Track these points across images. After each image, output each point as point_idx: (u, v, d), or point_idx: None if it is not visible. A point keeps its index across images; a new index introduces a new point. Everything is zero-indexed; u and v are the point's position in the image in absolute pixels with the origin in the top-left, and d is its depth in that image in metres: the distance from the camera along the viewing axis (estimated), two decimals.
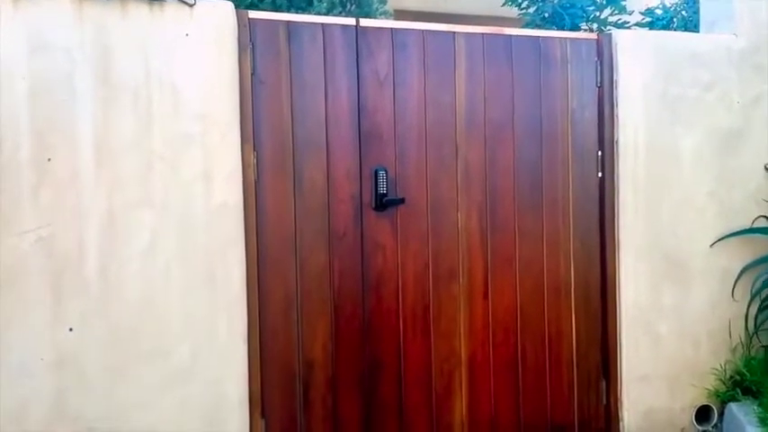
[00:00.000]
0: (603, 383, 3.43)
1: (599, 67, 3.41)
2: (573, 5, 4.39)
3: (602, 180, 3.43)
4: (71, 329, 2.62)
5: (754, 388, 3.49)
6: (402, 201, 3.11)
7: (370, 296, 3.09)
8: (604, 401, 3.44)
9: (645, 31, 4.44)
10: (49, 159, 2.59)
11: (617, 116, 3.41)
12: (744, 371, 3.52)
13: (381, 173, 3.07)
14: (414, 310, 3.16)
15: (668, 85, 3.46)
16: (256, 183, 2.89)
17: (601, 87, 3.42)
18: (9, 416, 2.57)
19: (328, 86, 3.01)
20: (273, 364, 2.94)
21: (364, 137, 3.07)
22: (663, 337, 3.48)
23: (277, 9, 3.77)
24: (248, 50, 2.89)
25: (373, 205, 3.08)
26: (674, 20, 4.80)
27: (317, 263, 3.01)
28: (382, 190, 3.07)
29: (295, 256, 2.97)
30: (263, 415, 2.90)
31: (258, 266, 2.91)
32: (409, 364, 3.14)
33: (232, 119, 2.83)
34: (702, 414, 3.55)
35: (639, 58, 3.43)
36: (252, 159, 2.88)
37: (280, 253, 2.95)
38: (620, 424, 3.42)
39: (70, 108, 2.63)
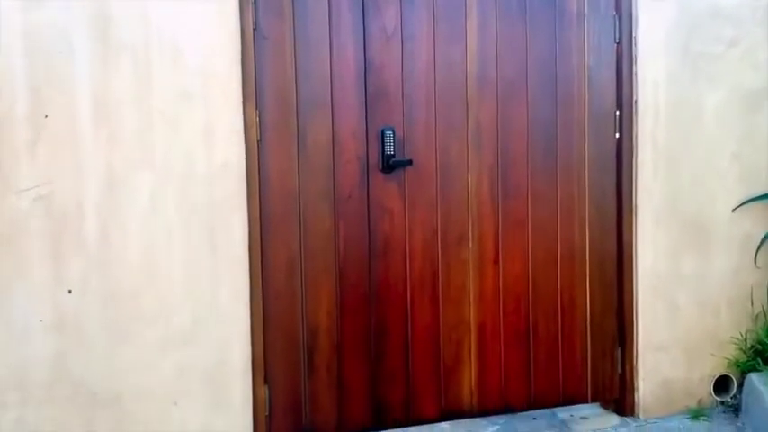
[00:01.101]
0: (619, 352, 3.48)
1: (617, 23, 3.40)
2: None
3: (619, 141, 3.45)
4: (70, 291, 2.69)
5: None
6: (410, 162, 3.14)
7: (376, 261, 3.14)
8: (619, 370, 3.49)
9: None
10: (46, 116, 2.65)
11: (636, 74, 3.41)
12: (765, 340, 3.56)
13: (388, 133, 3.11)
14: (422, 277, 3.21)
15: (690, 42, 3.46)
16: (259, 142, 2.93)
17: (619, 44, 3.41)
18: (8, 379, 2.66)
19: (333, 43, 3.04)
20: (277, 329, 3.00)
21: (370, 95, 3.10)
22: (681, 305, 3.51)
23: None
24: (250, 4, 2.91)
25: (380, 167, 3.12)
26: None
27: (322, 226, 3.06)
28: (389, 151, 3.11)
29: (299, 219, 3.02)
30: (265, 381, 2.97)
31: (261, 229, 2.96)
32: (417, 332, 3.20)
33: (234, 76, 2.86)
34: (721, 385, 3.59)
35: (660, 12, 3.42)
36: (254, 118, 2.92)
37: (283, 215, 3.00)
38: (636, 394, 3.47)
39: (67, 63, 2.66)
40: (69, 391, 2.71)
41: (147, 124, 2.75)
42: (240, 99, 2.88)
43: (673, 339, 3.51)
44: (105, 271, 2.73)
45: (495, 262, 3.31)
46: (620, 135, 3.45)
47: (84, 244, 2.71)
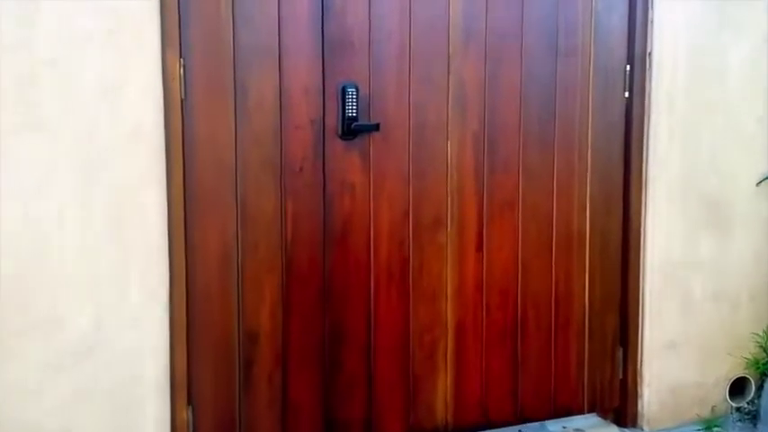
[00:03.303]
0: (620, 353, 2.92)
1: None
2: None
3: (629, 102, 2.85)
4: None
5: None
6: (376, 127, 2.50)
7: (333, 248, 2.52)
8: (620, 375, 2.93)
9: None
10: None
11: (651, 21, 2.80)
12: None
13: (350, 90, 2.46)
14: (389, 266, 2.59)
15: None
16: (183, 101, 2.27)
17: None
18: None
19: None
20: (204, 335, 2.37)
21: (329, 43, 2.44)
22: (695, 297, 2.96)
23: None
24: None
25: (339, 132, 2.47)
26: None
27: (265, 206, 2.42)
28: (351, 112, 2.46)
29: (236, 198, 2.38)
30: (189, 401, 2.34)
31: (185, 210, 2.31)
32: (381, 335, 2.59)
33: (149, 13, 2.18)
34: (736, 387, 3.06)
35: None
36: (177, 69, 2.25)
37: (215, 193, 2.36)
38: (639, 402, 2.92)
39: None
40: None
41: (31, 76, 2.06)
42: (158, 44, 2.21)
43: (684, 337, 2.95)
44: None
45: (479, 248, 2.70)
46: (631, 95, 2.86)
47: None
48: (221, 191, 2.36)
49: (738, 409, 3.05)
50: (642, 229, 2.89)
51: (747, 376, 3.04)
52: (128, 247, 2.21)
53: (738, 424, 3.01)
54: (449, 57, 2.59)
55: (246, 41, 2.35)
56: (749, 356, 3.03)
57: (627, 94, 2.84)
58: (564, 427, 2.91)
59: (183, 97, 2.27)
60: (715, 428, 2.94)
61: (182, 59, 2.26)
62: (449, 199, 2.64)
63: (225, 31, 2.31)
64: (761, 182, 2.98)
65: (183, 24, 2.26)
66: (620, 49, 2.82)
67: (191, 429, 2.35)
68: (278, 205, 2.43)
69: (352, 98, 2.46)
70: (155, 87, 2.21)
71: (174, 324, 2.30)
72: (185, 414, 2.33)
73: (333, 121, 2.47)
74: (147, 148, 2.21)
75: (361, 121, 2.48)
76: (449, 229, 2.65)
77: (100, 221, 2.17)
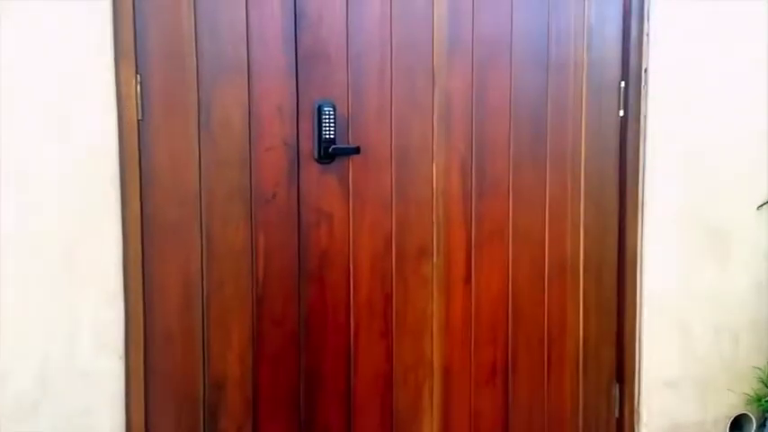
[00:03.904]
0: (617, 390, 2.69)
1: None
2: None
3: (624, 121, 2.62)
4: None
5: None
6: (356, 150, 2.25)
7: (309, 284, 2.26)
8: (617, 414, 2.70)
9: None
10: None
11: (648, 34, 2.58)
12: None
13: (327, 110, 2.21)
14: (370, 302, 2.34)
15: None
16: (140, 122, 2.01)
17: None
18: None
19: None
20: (165, 384, 2.09)
21: (304, 57, 2.19)
22: (694, 330, 2.73)
23: None
24: None
25: (315, 156, 2.22)
26: None
27: (234, 238, 2.16)
28: (328, 134, 2.22)
29: (200, 229, 2.11)
30: None
31: (143, 244, 2.05)
32: (362, 377, 2.34)
33: (100, 23, 1.92)
34: (736, 425, 2.85)
35: None
36: (133, 87, 1.99)
37: (176, 224, 2.09)
38: None
39: None
40: None
41: None
42: (110, 57, 1.95)
43: (684, 372, 2.73)
44: None
45: (467, 280, 2.46)
46: (626, 113, 2.63)
47: None
48: (184, 222, 2.09)
49: None
50: (638, 257, 2.67)
51: (748, 413, 2.82)
52: (77, 288, 1.93)
53: None
54: (433, 71, 2.36)
55: (211, 55, 2.09)
56: (750, 392, 2.81)
57: (622, 113, 2.62)
58: None
59: (139, 118, 2.01)
60: None
61: (138, 75, 2.00)
62: (434, 227, 2.40)
63: (187, 44, 2.05)
64: (762, 205, 2.78)
65: (139, 36, 2.00)
66: (615, 65, 2.60)
67: None
68: (248, 237, 2.17)
69: (330, 118, 2.22)
70: (107, 106, 1.94)
71: (131, 374, 2.02)
72: None
73: (308, 143, 2.22)
74: (99, 174, 1.94)
75: (340, 144, 2.24)
76: (435, 259, 2.42)
77: (43, 260, 1.89)
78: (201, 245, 2.12)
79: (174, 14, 2.03)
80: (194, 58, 2.06)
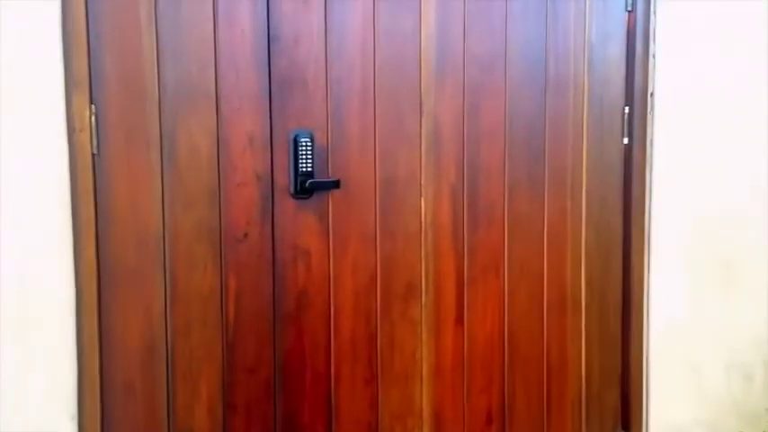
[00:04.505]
0: None
1: None
2: None
3: (628, 148, 2.44)
4: None
5: None
6: (336, 184, 2.07)
7: (285, 327, 2.07)
8: None
9: None
10: None
11: (654, 55, 2.40)
12: None
13: (304, 140, 2.02)
14: (353, 346, 2.15)
15: (731, 6, 2.45)
16: (95, 156, 1.83)
17: (632, 12, 2.39)
18: None
19: (219, 1, 1.93)
20: None
21: (278, 83, 2.01)
22: (704, 368, 2.54)
23: None
24: None
25: (291, 190, 2.04)
26: None
27: (201, 280, 1.96)
28: (305, 167, 2.03)
29: (164, 272, 1.92)
30: None
31: (99, 289, 1.86)
32: (344, 428, 2.14)
33: (47, 46, 1.74)
34: None
35: None
36: (87, 118, 1.80)
37: (137, 267, 1.90)
38: None
39: None
40: None
41: None
42: (61, 85, 1.76)
43: (693, 415, 2.53)
44: None
45: (458, 320, 2.27)
46: (630, 140, 2.44)
47: None
48: (145, 264, 1.90)
49: None
50: (645, 290, 2.48)
51: None
52: (24, 340, 1.74)
53: None
54: (421, 95, 2.17)
55: (175, 81, 1.90)
56: None
57: (626, 140, 2.43)
58: None
59: (94, 152, 1.82)
60: None
61: (93, 105, 1.81)
62: (423, 263, 2.21)
63: (148, 69, 1.87)
64: None
65: (94, 62, 1.82)
66: (618, 88, 2.41)
67: None
68: (217, 279, 1.98)
69: (307, 149, 2.03)
70: (57, 141, 1.76)
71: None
72: None
73: (283, 177, 2.03)
74: (48, 216, 1.75)
75: (318, 177, 2.05)
76: (423, 298, 2.22)
77: None
78: (165, 288, 1.92)
79: (134, 37, 1.85)
80: (156, 85, 1.88)
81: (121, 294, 1.89)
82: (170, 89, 1.89)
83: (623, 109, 2.43)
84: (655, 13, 2.39)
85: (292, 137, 2.03)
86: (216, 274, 1.98)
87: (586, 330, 2.45)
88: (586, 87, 2.38)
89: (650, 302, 2.49)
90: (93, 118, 1.81)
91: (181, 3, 1.89)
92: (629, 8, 2.40)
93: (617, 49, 2.41)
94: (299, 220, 2.06)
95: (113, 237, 1.87)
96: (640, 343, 2.50)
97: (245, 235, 2.01)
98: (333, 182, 2.07)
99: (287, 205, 2.05)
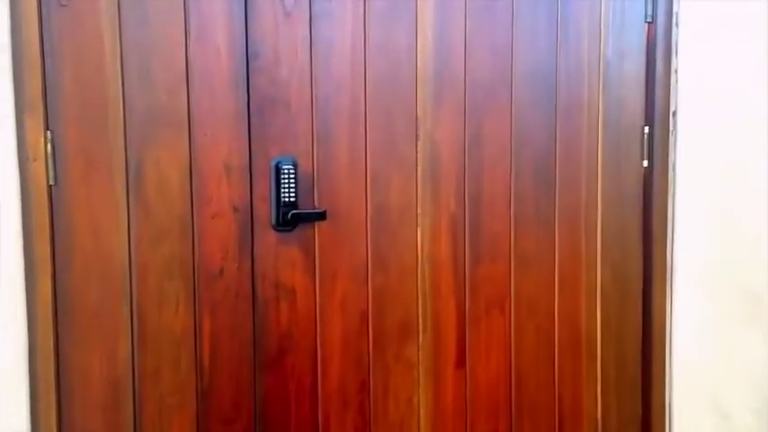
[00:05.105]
0: None
1: None
2: None
3: (648, 172, 2.25)
4: None
5: None
6: (322, 215, 1.90)
7: (266, 372, 1.90)
8: None
9: None
10: None
11: (676, 71, 2.21)
12: None
13: (287, 167, 1.86)
14: (342, 392, 1.98)
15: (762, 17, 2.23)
16: (53, 188, 1.68)
17: (652, 23, 2.20)
18: None
19: (191, 15, 1.78)
20: None
21: (257, 104, 1.85)
22: (732, 413, 2.31)
23: None
24: None
25: (273, 222, 1.88)
26: None
27: (172, 321, 1.80)
28: (288, 196, 1.87)
29: (130, 311, 1.77)
30: None
31: (56, 330, 1.71)
32: None
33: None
34: None
35: None
36: (42, 146, 1.65)
37: (100, 307, 1.75)
38: None
39: None
40: None
41: None
42: (11, 110, 1.61)
43: None
44: None
45: (460, 363, 2.09)
46: (650, 164, 2.25)
47: None
48: (109, 303, 1.75)
49: None
50: (667, 329, 2.28)
51: None
52: None
53: None
54: (417, 116, 2.00)
55: (143, 104, 1.75)
56: None
57: (646, 164, 2.24)
58: None
59: (51, 183, 1.68)
60: None
61: (48, 132, 1.67)
62: (420, 300, 2.04)
63: (112, 92, 1.72)
64: None
65: (50, 84, 1.68)
66: (637, 107, 2.22)
67: None
68: (190, 319, 1.82)
69: (290, 177, 1.87)
70: (6, 172, 1.61)
71: None
72: None
73: (264, 207, 1.87)
74: None
75: (303, 208, 1.89)
76: (421, 338, 2.05)
77: None
78: (132, 330, 1.77)
79: (96, 57, 1.70)
80: (121, 109, 1.72)
81: (82, 336, 1.73)
82: (137, 113, 1.74)
83: (643, 129, 2.24)
84: (677, 24, 2.20)
85: (274, 164, 1.87)
86: (189, 314, 1.82)
87: (602, 375, 2.25)
88: (601, 107, 2.19)
89: (672, 343, 2.28)
90: (49, 146, 1.66)
91: (148, 19, 1.74)
92: (650, 18, 2.21)
93: (635, 66, 2.22)
94: (281, 255, 1.90)
95: (73, 274, 1.71)
96: (662, 388, 2.29)
97: (222, 271, 1.84)
98: (319, 213, 1.90)
99: (268, 238, 1.88)
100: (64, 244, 1.70)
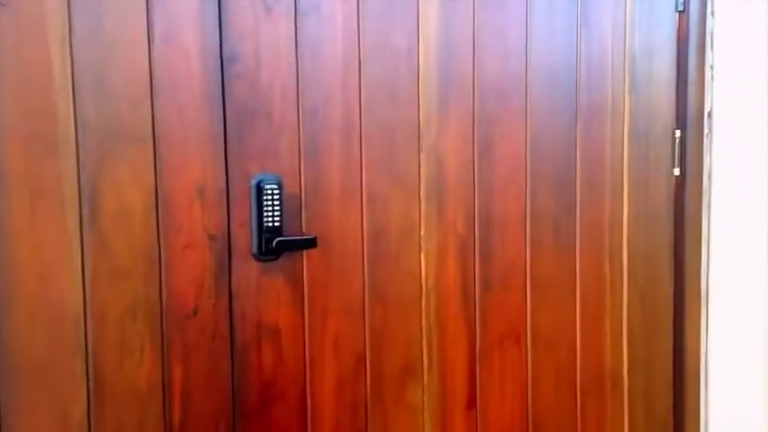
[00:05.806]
0: None
1: None
2: None
3: (680, 181, 2.06)
4: None
5: None
6: (311, 242, 1.67)
7: (248, 426, 1.66)
8: None
9: None
10: None
11: (713, 66, 2.01)
12: None
13: (270, 187, 1.63)
14: None
15: None
16: None
17: (684, 12, 2.02)
18: None
19: (154, 12, 1.54)
20: None
21: (235, 117, 1.61)
22: None
23: None
24: None
25: (255, 251, 1.64)
26: None
27: (136, 372, 1.56)
28: (272, 221, 1.63)
29: (85, 364, 1.52)
30: None
31: None
32: None
33: None
34: None
35: None
36: None
37: (49, 360, 1.49)
38: None
39: None
40: None
41: None
42: None
43: None
44: None
45: (470, 404, 1.88)
46: (683, 172, 2.06)
47: None
48: (60, 356, 1.49)
49: None
50: (701, 364, 2.08)
51: None
52: None
53: None
54: (419, 126, 1.78)
55: (99, 122, 1.49)
56: None
57: (677, 172, 2.04)
58: None
59: None
60: None
61: None
62: (424, 335, 1.82)
63: (62, 109, 1.46)
64: None
65: None
66: (667, 109, 2.03)
67: None
68: (157, 369, 1.57)
69: (274, 198, 1.63)
70: None
71: None
72: None
73: (244, 234, 1.63)
74: None
75: (289, 234, 1.65)
76: (425, 378, 1.82)
77: None
78: (87, 385, 1.52)
79: (41, 64, 1.44)
80: (72, 128, 1.47)
81: (28, 398, 1.48)
82: (91, 130, 1.49)
83: (674, 133, 2.03)
84: (713, 13, 1.99)
85: (254, 184, 1.63)
86: (156, 363, 1.58)
87: (630, 417, 2.07)
88: (627, 110, 1.98)
89: (708, 380, 2.08)
90: None
91: (103, 20, 1.48)
92: (681, 8, 2.00)
93: (665, 63, 2.02)
94: (264, 289, 1.66)
95: (15, 322, 1.46)
96: (696, 430, 2.09)
97: (195, 310, 1.60)
98: (307, 239, 1.66)
99: (249, 270, 1.64)
100: (4, 287, 1.47)
